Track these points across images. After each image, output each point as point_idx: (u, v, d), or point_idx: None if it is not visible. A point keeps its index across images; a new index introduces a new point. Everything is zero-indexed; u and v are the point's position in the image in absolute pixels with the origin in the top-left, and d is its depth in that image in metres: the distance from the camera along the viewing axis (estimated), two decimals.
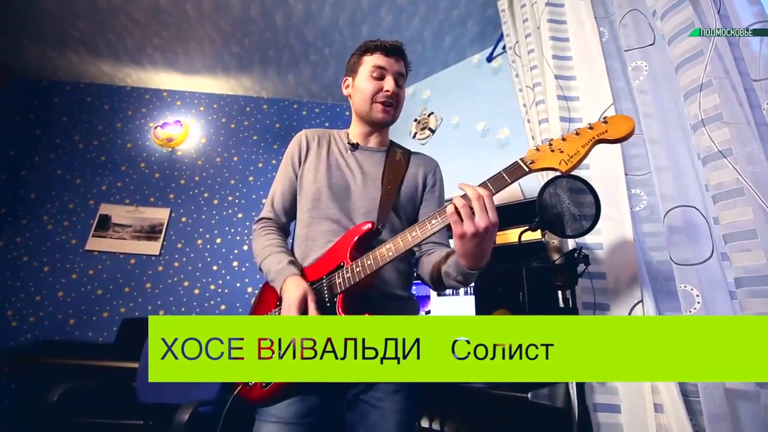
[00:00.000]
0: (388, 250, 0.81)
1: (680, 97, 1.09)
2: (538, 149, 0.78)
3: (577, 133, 0.76)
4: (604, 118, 0.75)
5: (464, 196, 0.73)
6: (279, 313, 0.92)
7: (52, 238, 2.71)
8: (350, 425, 0.88)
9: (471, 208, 0.71)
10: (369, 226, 0.89)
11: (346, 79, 1.09)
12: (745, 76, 0.99)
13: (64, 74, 3.06)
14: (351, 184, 1.00)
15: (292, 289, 0.84)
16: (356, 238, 0.88)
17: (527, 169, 0.76)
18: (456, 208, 0.72)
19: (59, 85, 3.11)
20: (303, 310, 0.81)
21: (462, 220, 0.71)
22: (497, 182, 0.76)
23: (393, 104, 1.03)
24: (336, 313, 0.83)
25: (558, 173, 0.75)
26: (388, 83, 1.01)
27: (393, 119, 1.06)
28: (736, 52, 1.01)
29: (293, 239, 1.04)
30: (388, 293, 0.94)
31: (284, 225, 1.07)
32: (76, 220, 2.77)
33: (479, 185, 0.76)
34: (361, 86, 1.03)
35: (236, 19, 2.42)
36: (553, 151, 0.76)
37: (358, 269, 0.83)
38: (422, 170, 1.08)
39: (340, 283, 0.85)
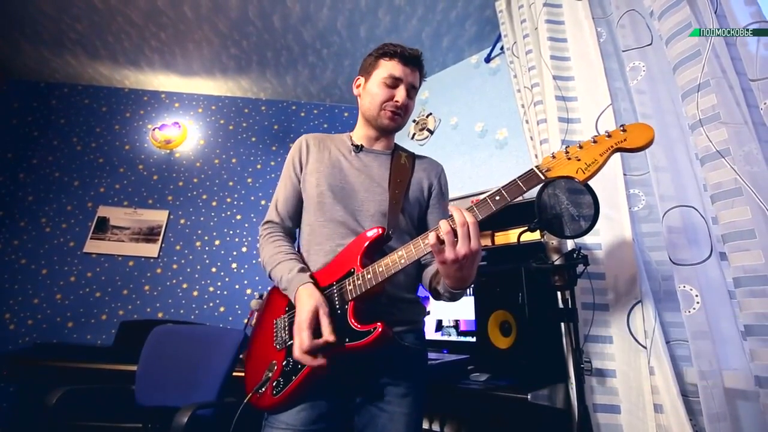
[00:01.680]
0: (401, 257, 0.80)
1: (678, 97, 1.09)
2: (554, 156, 0.76)
3: (595, 141, 0.73)
4: (623, 126, 0.72)
5: (451, 219, 0.73)
6: (287, 320, 0.92)
7: (50, 240, 2.70)
8: (359, 429, 0.88)
9: (456, 234, 0.72)
10: (380, 231, 0.88)
11: (358, 79, 1.09)
12: (743, 76, 0.99)
13: (61, 76, 3.05)
14: (356, 185, 0.99)
15: (304, 301, 0.82)
16: (366, 244, 0.87)
17: (543, 177, 0.74)
18: (438, 235, 0.73)
19: (57, 87, 3.10)
20: (315, 325, 0.79)
21: (444, 246, 0.73)
22: (512, 190, 0.75)
23: (401, 114, 1.02)
24: (347, 321, 0.82)
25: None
26: (400, 94, 1.00)
27: (399, 127, 1.05)
28: (734, 52, 1.01)
29: (299, 242, 1.03)
30: (397, 297, 0.94)
31: (289, 229, 1.06)
32: (74, 222, 2.77)
33: (479, 202, 0.75)
34: (372, 91, 1.02)
35: (234, 21, 2.42)
36: (569, 159, 0.74)
37: (369, 276, 0.82)
38: (428, 175, 1.08)
39: (351, 290, 0.84)
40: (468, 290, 0.93)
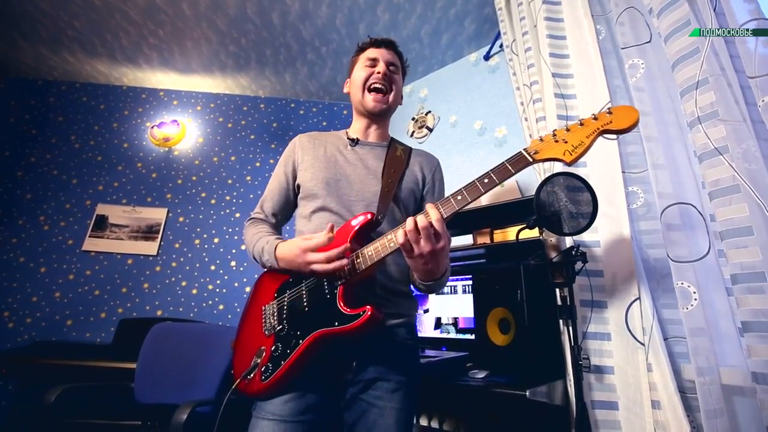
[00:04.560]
0: (390, 240, 0.81)
1: (677, 95, 1.09)
2: (542, 139, 0.77)
3: (582, 124, 0.75)
4: (609, 108, 0.74)
5: (418, 218, 0.76)
6: (276, 306, 0.93)
7: (49, 238, 2.70)
8: (348, 424, 0.88)
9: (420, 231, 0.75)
10: (369, 216, 0.89)
11: (347, 81, 1.15)
12: (741, 74, 0.99)
13: (59, 74, 3.04)
14: (351, 176, 1.01)
15: (287, 243, 0.89)
16: (356, 229, 0.88)
17: (531, 160, 0.76)
18: (405, 232, 0.75)
19: (55, 85, 3.09)
20: (312, 246, 0.84)
21: (411, 245, 0.76)
22: (500, 173, 0.76)
23: (385, 90, 1.06)
24: (336, 305, 0.82)
25: (562, 164, 0.75)
26: (379, 67, 1.06)
27: (386, 106, 1.07)
28: (732, 49, 1.01)
29: (295, 234, 1.04)
30: (391, 288, 0.94)
31: (272, 224, 1.08)
32: (73, 220, 2.76)
33: (468, 186, 0.78)
34: (355, 76, 1.09)
35: (233, 18, 2.41)
36: (557, 141, 0.75)
37: (359, 260, 0.83)
38: (422, 168, 1.09)
39: (340, 273, 0.85)
40: (443, 284, 0.95)
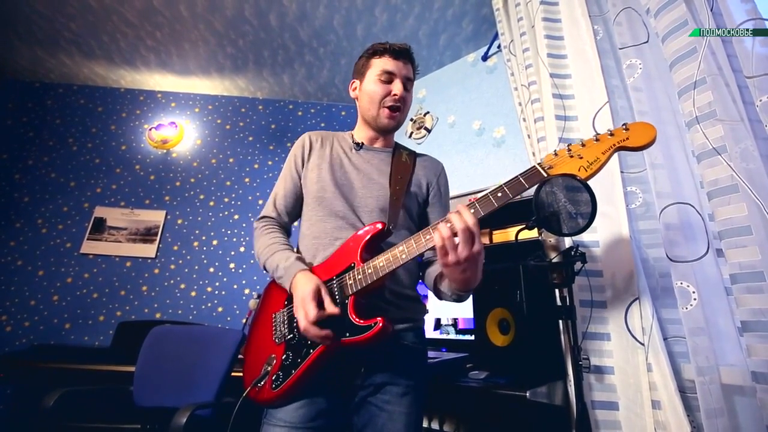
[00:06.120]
0: (401, 252, 0.80)
1: (675, 95, 1.09)
2: (556, 154, 0.76)
3: (597, 139, 0.74)
4: (625, 124, 0.73)
5: (451, 222, 0.73)
6: (286, 314, 0.92)
7: (47, 241, 2.69)
8: (358, 428, 0.88)
9: (456, 237, 0.72)
10: (380, 225, 0.88)
11: (354, 82, 1.10)
12: (738, 73, 0.99)
13: (56, 76, 3.03)
14: (355, 181, 1.00)
15: (304, 282, 0.84)
16: (367, 239, 0.87)
17: (545, 174, 0.75)
18: (442, 238, 0.73)
19: (52, 87, 3.08)
20: (319, 301, 0.81)
21: (447, 251, 0.73)
22: (514, 187, 0.75)
23: (400, 108, 1.02)
24: (347, 315, 0.82)
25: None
26: (396, 87, 1.01)
27: (399, 124, 1.06)
28: (729, 49, 1.02)
29: (299, 237, 1.04)
30: (400, 293, 0.94)
31: (286, 224, 1.06)
32: (71, 223, 2.75)
33: (480, 199, 0.76)
34: (369, 90, 1.03)
35: (230, 20, 2.41)
36: (572, 156, 0.74)
37: (369, 271, 0.82)
38: (427, 174, 1.08)
39: (351, 284, 0.84)
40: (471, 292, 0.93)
